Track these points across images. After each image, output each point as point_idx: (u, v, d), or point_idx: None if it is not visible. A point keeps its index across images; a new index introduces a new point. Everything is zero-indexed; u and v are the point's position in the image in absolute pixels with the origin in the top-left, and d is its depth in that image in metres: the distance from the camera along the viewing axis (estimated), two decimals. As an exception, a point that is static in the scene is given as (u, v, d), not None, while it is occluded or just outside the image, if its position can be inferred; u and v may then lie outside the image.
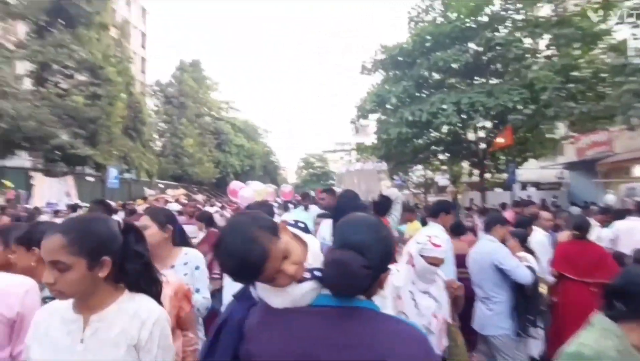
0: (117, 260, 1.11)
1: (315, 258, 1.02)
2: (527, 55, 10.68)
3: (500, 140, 10.35)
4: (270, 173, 45.26)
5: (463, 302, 2.55)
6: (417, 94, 11.99)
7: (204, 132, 30.37)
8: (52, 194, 14.16)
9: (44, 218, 7.85)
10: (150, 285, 1.20)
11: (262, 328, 1.00)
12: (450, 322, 2.47)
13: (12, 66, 13.85)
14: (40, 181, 14.04)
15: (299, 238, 1.06)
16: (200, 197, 19.23)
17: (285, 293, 0.98)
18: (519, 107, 9.59)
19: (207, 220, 4.54)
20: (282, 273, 0.94)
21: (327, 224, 3.13)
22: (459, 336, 2.57)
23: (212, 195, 29.16)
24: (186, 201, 11.59)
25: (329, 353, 0.90)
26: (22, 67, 14.87)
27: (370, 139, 15.43)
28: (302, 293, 0.97)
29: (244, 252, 0.89)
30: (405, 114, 10.03)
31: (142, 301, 1.16)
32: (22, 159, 15.05)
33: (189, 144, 27.43)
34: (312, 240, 1.09)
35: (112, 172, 15.25)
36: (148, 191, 20.32)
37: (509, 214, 6.18)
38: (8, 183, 12.59)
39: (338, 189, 5.64)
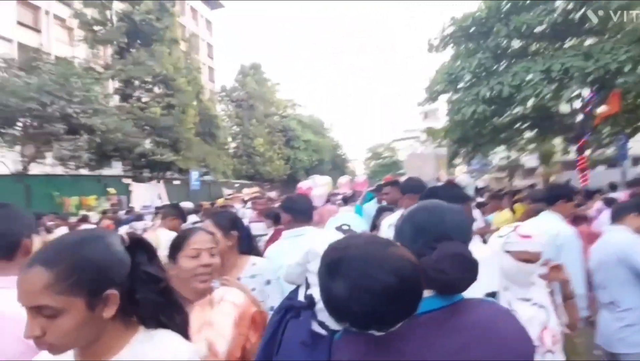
0: (126, 289, 0.82)
1: None
2: (634, 3, 8.87)
3: (604, 108, 8.76)
4: (338, 166, 45.39)
5: (572, 290, 1.99)
6: (494, 67, 10.75)
7: (272, 131, 31.48)
8: (147, 197, 15.82)
9: (147, 218, 8.71)
10: (172, 316, 0.90)
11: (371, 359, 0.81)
12: (567, 331, 1.95)
13: (102, 85, 15.73)
14: (136, 187, 15.73)
15: None
16: (274, 194, 19.96)
17: None
18: (626, 68, 8.02)
19: (274, 217, 4.24)
20: None
21: (389, 220, 2.74)
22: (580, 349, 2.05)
23: (284, 192, 30.12)
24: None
25: (454, 356, 0.79)
26: (108, 85, 16.84)
27: (441, 123, 14.36)
28: None
29: (402, 284, 0.73)
30: (482, 91, 9.01)
31: (164, 340, 0.86)
32: (119, 169, 17.10)
33: (259, 143, 28.65)
34: None
35: (194, 175, 16.55)
36: (226, 191, 21.68)
37: (622, 197, 5.11)
38: (111, 190, 14.39)
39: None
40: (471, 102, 9.50)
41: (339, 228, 1.68)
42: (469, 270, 0.84)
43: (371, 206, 5.59)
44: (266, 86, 33.49)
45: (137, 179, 16.31)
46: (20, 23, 19.23)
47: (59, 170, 13.55)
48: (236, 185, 25.42)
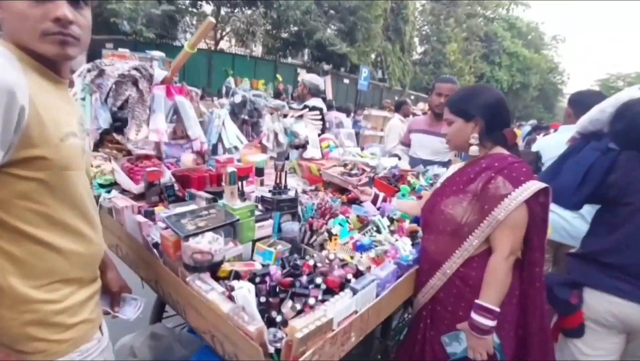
0: None
1: None
2: None
3: None
4: (546, 96, 34.98)
5: None
6: None
7: (471, 38, 25.14)
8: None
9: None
10: None
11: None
12: None
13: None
14: (304, 78, 14.68)
15: None
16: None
17: None
18: None
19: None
20: None
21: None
22: None
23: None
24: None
25: None
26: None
27: None
28: None
29: None
30: None
31: None
32: (298, 60, 16.18)
33: (452, 50, 23.29)
34: None
35: (363, 72, 14.09)
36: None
37: None
38: (279, 77, 13.66)
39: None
40: None
41: None
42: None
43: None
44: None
45: (312, 70, 15.10)
46: None
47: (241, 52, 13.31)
48: (412, 97, 22.00)
